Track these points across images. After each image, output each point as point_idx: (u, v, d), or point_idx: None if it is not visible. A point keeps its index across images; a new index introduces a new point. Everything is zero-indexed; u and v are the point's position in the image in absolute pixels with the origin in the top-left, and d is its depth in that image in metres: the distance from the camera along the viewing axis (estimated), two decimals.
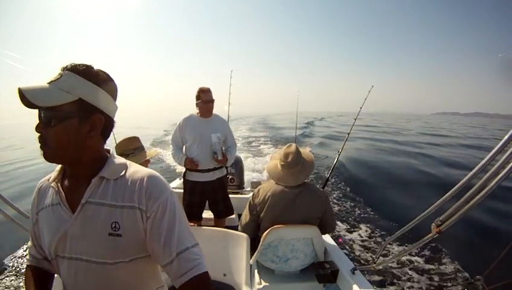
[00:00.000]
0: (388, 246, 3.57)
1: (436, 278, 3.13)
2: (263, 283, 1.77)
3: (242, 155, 5.69)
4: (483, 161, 0.93)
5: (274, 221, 1.72)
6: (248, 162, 8.33)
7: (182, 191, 2.52)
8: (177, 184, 3.59)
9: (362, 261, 3.40)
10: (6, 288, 2.92)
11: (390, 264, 3.24)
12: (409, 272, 3.23)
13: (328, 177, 2.80)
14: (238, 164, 3.74)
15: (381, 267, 1.57)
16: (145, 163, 1.70)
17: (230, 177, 3.59)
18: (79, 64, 0.64)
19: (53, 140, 0.62)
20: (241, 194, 3.51)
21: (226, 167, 2.62)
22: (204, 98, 2.35)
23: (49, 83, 0.62)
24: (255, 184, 3.62)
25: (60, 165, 0.74)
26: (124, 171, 0.71)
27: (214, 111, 2.48)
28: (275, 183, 1.81)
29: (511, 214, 4.96)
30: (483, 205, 0.93)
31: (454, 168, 8.74)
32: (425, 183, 7.05)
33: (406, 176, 7.79)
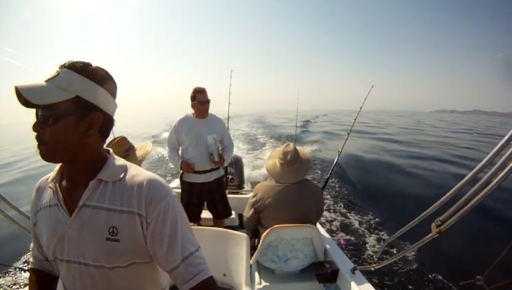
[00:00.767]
0: (388, 246, 3.56)
1: (436, 278, 3.13)
2: (263, 283, 1.77)
3: (242, 154, 5.69)
4: (484, 161, 0.93)
5: (275, 218, 1.74)
6: (248, 161, 8.33)
7: (180, 191, 2.51)
8: (176, 184, 3.58)
9: (362, 261, 3.40)
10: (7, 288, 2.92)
11: (390, 264, 3.24)
12: (409, 272, 3.23)
13: (328, 177, 2.80)
14: (238, 164, 3.73)
15: (381, 267, 1.57)
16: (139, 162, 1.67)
17: (230, 177, 3.58)
18: (77, 62, 0.63)
19: (50, 138, 0.61)
20: (241, 194, 3.51)
21: (226, 167, 2.61)
22: (200, 98, 2.32)
23: (46, 80, 0.61)
24: (255, 184, 3.61)
25: (58, 166, 0.72)
26: (123, 174, 0.69)
27: (214, 111, 2.46)
28: (275, 182, 1.85)
29: (511, 214, 4.96)
30: (484, 205, 0.93)
31: (455, 168, 8.74)
32: (426, 183, 7.05)
33: (406, 176, 7.79)
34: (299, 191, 1.81)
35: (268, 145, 12.53)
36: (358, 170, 8.09)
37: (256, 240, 1.86)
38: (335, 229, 4.32)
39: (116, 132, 2.10)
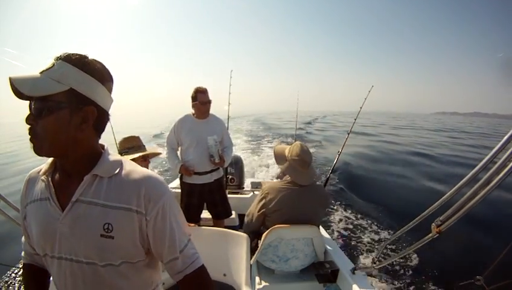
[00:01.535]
0: (388, 246, 3.57)
1: (436, 278, 3.13)
2: (263, 283, 1.77)
3: (242, 154, 5.69)
4: (483, 161, 0.93)
5: (283, 220, 1.72)
6: (248, 161, 8.33)
7: (180, 192, 2.50)
8: (176, 184, 3.58)
9: (362, 261, 3.40)
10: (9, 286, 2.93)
11: (390, 264, 3.24)
12: (409, 272, 3.23)
13: (328, 177, 2.80)
14: (238, 164, 3.72)
15: (381, 267, 1.57)
16: (142, 162, 1.68)
17: (230, 177, 3.58)
18: (73, 54, 0.61)
19: (43, 132, 0.59)
20: (241, 194, 3.51)
21: (226, 167, 2.61)
22: (201, 99, 2.29)
23: (41, 72, 0.59)
24: (255, 184, 3.61)
25: (51, 158, 0.70)
26: (118, 169, 0.67)
27: (214, 111, 2.45)
28: (284, 183, 1.78)
29: (511, 214, 4.96)
30: (483, 205, 0.93)
31: (455, 169, 8.75)
32: (426, 183, 7.05)
33: (406, 176, 7.79)
34: (311, 194, 1.78)
35: (268, 145, 12.54)
36: (358, 170, 8.10)
37: (257, 242, 1.86)
38: (335, 229, 4.33)
39: (116, 131, 2.12)
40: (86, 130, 0.63)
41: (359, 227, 4.40)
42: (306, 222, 1.75)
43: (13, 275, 3.11)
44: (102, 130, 0.69)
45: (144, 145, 1.78)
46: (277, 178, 2.06)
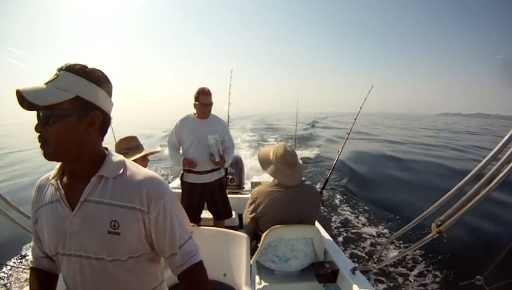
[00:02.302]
0: (388, 246, 3.57)
1: (436, 278, 3.13)
2: (263, 283, 1.77)
3: (243, 154, 5.70)
4: (484, 161, 0.93)
5: (276, 221, 1.72)
6: (249, 161, 8.34)
7: (181, 191, 2.50)
8: (177, 184, 3.59)
9: (362, 261, 3.40)
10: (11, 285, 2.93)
11: (390, 264, 3.24)
12: (409, 272, 3.23)
13: (328, 177, 2.80)
14: (238, 164, 3.73)
15: (381, 267, 1.57)
16: (142, 162, 1.69)
17: (230, 177, 3.58)
18: (74, 64, 0.66)
19: (53, 138, 0.64)
20: (241, 194, 3.51)
21: (226, 167, 2.60)
22: (203, 101, 2.30)
23: (46, 83, 0.64)
24: (255, 184, 3.61)
25: (59, 163, 0.75)
26: (122, 169, 0.72)
27: (215, 111, 2.45)
28: (273, 186, 1.80)
29: (511, 214, 4.96)
30: (484, 205, 0.93)
31: (455, 168, 8.74)
32: (426, 183, 7.05)
33: (406, 176, 7.79)
34: (299, 194, 1.78)
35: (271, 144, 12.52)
36: (358, 170, 8.10)
37: (257, 242, 1.86)
38: (335, 229, 4.33)
39: (120, 131, 2.12)
40: (93, 133, 0.69)
41: (359, 227, 4.41)
42: (299, 222, 1.75)
43: (15, 275, 3.11)
44: (106, 132, 0.74)
45: (142, 145, 1.77)
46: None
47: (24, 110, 0.65)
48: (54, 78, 0.64)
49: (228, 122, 3.23)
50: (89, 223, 0.68)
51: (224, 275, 1.47)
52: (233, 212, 2.85)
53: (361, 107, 2.96)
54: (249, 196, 3.32)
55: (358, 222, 4.58)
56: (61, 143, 0.65)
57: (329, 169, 2.88)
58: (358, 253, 3.64)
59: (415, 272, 3.24)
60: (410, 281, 3.07)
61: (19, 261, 3.38)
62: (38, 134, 0.65)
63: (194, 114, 2.41)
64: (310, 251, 1.83)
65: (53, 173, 0.75)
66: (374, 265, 1.56)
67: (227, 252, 1.48)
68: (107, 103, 0.71)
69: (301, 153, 10.59)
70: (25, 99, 0.61)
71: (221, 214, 2.55)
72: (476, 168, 0.95)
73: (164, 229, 0.72)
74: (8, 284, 2.99)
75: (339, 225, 4.47)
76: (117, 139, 1.81)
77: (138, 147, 1.76)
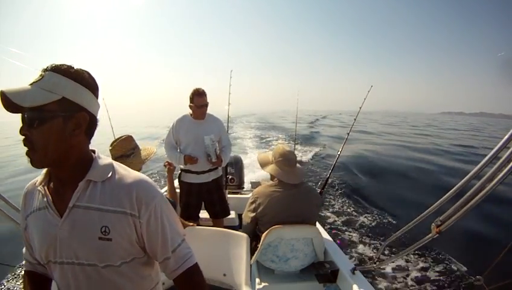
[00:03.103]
0: (388, 246, 3.57)
1: (436, 278, 3.13)
2: (263, 283, 1.77)
3: (243, 155, 5.69)
4: (484, 161, 0.93)
5: (277, 221, 1.72)
6: (249, 161, 8.33)
7: (179, 191, 2.51)
8: (176, 184, 3.59)
9: (362, 261, 3.40)
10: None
11: (390, 264, 3.24)
12: (409, 272, 3.23)
13: (328, 177, 2.80)
14: (238, 164, 3.72)
15: (381, 267, 1.57)
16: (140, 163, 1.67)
17: (230, 177, 3.58)
18: (60, 65, 0.64)
19: (39, 141, 0.61)
20: (241, 194, 3.51)
21: (226, 167, 2.60)
22: (197, 102, 2.30)
23: (31, 84, 0.62)
24: (255, 184, 3.61)
25: (45, 169, 0.73)
26: (110, 173, 0.70)
27: (214, 111, 2.45)
28: (275, 186, 1.80)
29: (511, 214, 4.96)
30: (483, 205, 0.93)
31: (455, 168, 8.74)
32: (426, 183, 7.05)
33: (406, 176, 7.79)
34: (300, 195, 1.78)
35: (269, 145, 12.55)
36: (358, 170, 8.09)
37: (257, 242, 1.86)
38: (335, 229, 4.33)
39: (122, 131, 2.07)
40: (79, 136, 0.66)
41: (359, 227, 4.41)
42: (300, 223, 1.75)
43: (13, 275, 3.11)
44: (93, 134, 0.71)
45: (137, 146, 1.71)
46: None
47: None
48: (40, 79, 0.62)
49: (228, 122, 3.22)
50: (79, 230, 0.66)
51: (224, 275, 1.47)
52: (233, 212, 2.85)
53: (360, 107, 2.96)
54: (249, 196, 3.33)
55: (358, 222, 4.58)
56: (48, 146, 0.62)
57: (329, 169, 2.88)
58: (358, 253, 3.64)
59: (415, 272, 3.24)
60: (410, 281, 3.07)
61: (20, 261, 3.37)
62: (24, 137, 0.62)
63: (191, 114, 2.41)
64: (310, 251, 1.83)
65: (40, 178, 0.73)
66: (374, 265, 1.56)
67: (227, 252, 1.48)
68: (94, 105, 0.69)
69: (301, 153, 10.59)
70: (10, 101, 0.58)
71: (219, 213, 2.55)
72: (476, 168, 0.95)
73: (156, 232, 0.70)
74: (9, 284, 2.98)
75: (339, 225, 4.47)
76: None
77: (134, 149, 1.72)
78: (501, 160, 0.85)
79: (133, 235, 0.69)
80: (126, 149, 1.61)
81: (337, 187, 6.41)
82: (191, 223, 1.74)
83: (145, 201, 0.68)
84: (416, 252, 3.54)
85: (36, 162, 0.63)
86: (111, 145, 1.64)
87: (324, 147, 12.32)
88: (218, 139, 2.44)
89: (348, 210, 5.10)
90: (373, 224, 4.51)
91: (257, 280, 1.79)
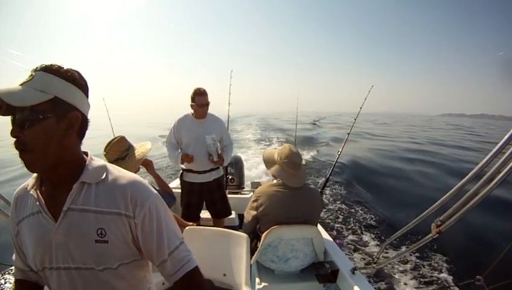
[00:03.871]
0: (388, 246, 3.57)
1: (436, 278, 3.13)
2: (263, 283, 1.77)
3: (243, 154, 5.70)
4: (484, 161, 0.93)
5: (278, 222, 1.72)
6: (250, 162, 8.33)
7: (180, 191, 2.51)
8: (176, 184, 3.59)
9: (362, 261, 3.40)
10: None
11: (390, 265, 3.24)
12: (409, 272, 3.23)
13: (328, 178, 2.80)
14: (238, 164, 3.73)
15: (381, 267, 1.57)
16: (139, 162, 1.66)
17: (230, 177, 3.58)
18: (50, 64, 0.63)
19: (31, 142, 0.60)
20: (241, 194, 3.51)
21: (226, 167, 2.60)
22: (199, 101, 2.31)
23: (21, 84, 0.60)
24: (255, 184, 3.61)
25: None
26: (104, 174, 0.69)
27: (215, 111, 2.46)
28: (278, 187, 1.78)
29: (511, 214, 4.96)
30: (483, 205, 0.93)
31: (454, 169, 8.74)
32: (425, 183, 7.05)
33: (406, 176, 7.79)
34: (302, 196, 1.77)
35: (268, 145, 12.55)
36: (358, 170, 8.10)
37: (257, 242, 1.86)
38: (335, 229, 4.33)
39: (122, 131, 2.06)
40: (72, 136, 0.65)
41: (359, 227, 4.41)
42: (304, 220, 1.75)
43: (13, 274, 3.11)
44: (84, 135, 0.70)
45: (131, 145, 1.69)
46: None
47: None
48: (30, 79, 0.60)
49: (228, 122, 3.23)
50: (75, 233, 0.65)
51: (224, 275, 1.47)
52: (233, 212, 2.85)
53: (361, 107, 2.96)
54: (249, 196, 3.33)
55: (358, 222, 4.58)
56: (41, 147, 0.60)
57: (329, 169, 2.88)
58: (358, 253, 3.64)
59: (415, 272, 3.24)
60: (410, 282, 3.07)
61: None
62: (15, 139, 0.60)
63: (192, 114, 2.42)
64: (310, 251, 1.82)
65: (31, 182, 0.71)
66: (374, 265, 1.56)
67: (227, 252, 1.48)
68: (85, 104, 0.68)
69: (301, 153, 10.58)
70: (1, 103, 0.56)
71: (220, 213, 2.56)
72: (476, 168, 0.95)
73: (151, 234, 0.69)
74: (9, 285, 2.98)
75: (339, 224, 4.47)
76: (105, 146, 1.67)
77: (128, 149, 1.71)
78: (501, 160, 0.85)
79: (129, 236, 0.68)
80: (120, 151, 1.61)
81: (337, 187, 6.41)
82: (191, 223, 1.74)
83: (140, 201, 0.67)
84: (416, 252, 3.54)
85: (32, 164, 0.62)
86: (105, 150, 1.62)
87: (320, 149, 12.32)
88: (220, 138, 2.45)
89: (348, 210, 5.10)
90: (373, 224, 4.52)
91: (257, 280, 1.79)
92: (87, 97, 0.69)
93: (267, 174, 6.23)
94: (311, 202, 1.81)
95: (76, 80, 0.65)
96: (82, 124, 0.67)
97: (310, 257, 1.84)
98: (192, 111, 2.41)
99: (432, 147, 14.11)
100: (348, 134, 2.93)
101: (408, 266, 3.33)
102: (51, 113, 0.61)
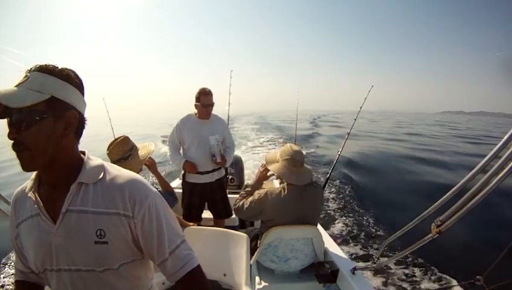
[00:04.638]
0: (388, 246, 3.56)
1: (436, 278, 3.13)
2: (263, 283, 1.77)
3: (242, 154, 5.70)
4: (484, 161, 0.92)
5: (285, 221, 1.71)
6: (250, 162, 8.34)
7: (182, 191, 2.51)
8: (177, 184, 3.59)
9: (362, 261, 3.40)
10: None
11: (390, 264, 3.24)
12: (409, 272, 3.23)
13: (329, 177, 2.80)
14: (238, 164, 3.73)
15: (381, 267, 1.57)
16: (142, 162, 1.66)
17: (230, 177, 3.59)
18: (45, 65, 0.63)
19: (30, 142, 0.59)
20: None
21: (226, 167, 2.60)
22: (204, 101, 2.30)
23: (16, 85, 0.60)
24: None
25: (34, 174, 0.71)
26: (102, 174, 0.68)
27: (215, 110, 2.45)
28: (282, 189, 1.73)
29: (511, 214, 4.96)
30: (483, 205, 0.93)
31: (455, 168, 8.75)
32: (426, 183, 7.05)
33: (406, 176, 7.80)
34: (309, 196, 1.74)
35: (269, 145, 12.55)
36: (358, 170, 8.10)
37: (257, 242, 1.86)
38: (335, 229, 4.33)
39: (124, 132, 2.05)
40: (70, 134, 0.65)
41: (359, 227, 4.41)
42: (309, 218, 1.75)
43: (14, 274, 3.11)
44: (81, 134, 0.70)
45: (135, 146, 1.68)
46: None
47: None
48: (25, 80, 0.59)
49: (228, 122, 3.23)
50: (74, 235, 0.64)
51: (224, 275, 1.47)
52: (233, 212, 2.86)
53: (361, 107, 2.96)
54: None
55: (358, 222, 4.58)
56: (39, 147, 0.60)
57: (330, 169, 2.88)
58: (358, 253, 3.64)
59: (415, 272, 3.24)
60: (410, 282, 3.07)
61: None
62: (13, 141, 0.59)
63: (195, 114, 2.40)
64: (310, 251, 1.82)
65: (29, 184, 0.70)
66: (374, 265, 1.56)
67: (227, 252, 1.48)
68: (82, 103, 0.67)
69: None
70: None
71: (221, 213, 2.56)
72: (476, 168, 0.95)
73: (151, 233, 0.68)
74: (9, 285, 2.99)
75: (339, 224, 4.47)
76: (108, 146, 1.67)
77: (135, 147, 1.72)
78: (501, 160, 0.85)
79: (129, 236, 0.67)
80: (123, 152, 1.60)
81: (337, 186, 6.41)
82: (192, 224, 1.74)
83: (139, 201, 0.66)
84: (416, 252, 3.54)
85: (29, 164, 0.61)
86: (108, 149, 1.62)
87: (319, 148, 12.33)
88: (223, 139, 2.44)
89: (348, 210, 5.10)
90: (373, 224, 4.51)
91: (257, 280, 1.79)
92: (83, 96, 0.69)
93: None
94: (314, 202, 1.79)
95: (72, 79, 0.65)
96: (79, 123, 0.67)
97: (310, 257, 1.84)
98: (195, 111, 2.40)
99: (432, 147, 14.11)
100: (348, 133, 2.93)
101: (408, 266, 3.33)
102: (48, 113, 0.60)
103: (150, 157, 1.80)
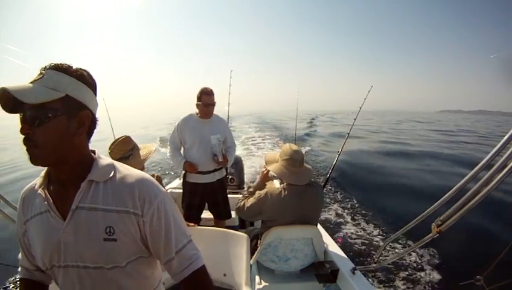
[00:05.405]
0: (388, 246, 3.57)
1: (436, 278, 3.13)
2: (263, 283, 1.77)
3: (242, 154, 5.70)
4: (484, 161, 0.93)
5: (285, 221, 1.71)
6: (250, 162, 8.34)
7: (182, 191, 2.51)
8: (177, 184, 3.59)
9: (362, 261, 3.40)
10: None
11: (390, 264, 3.24)
12: (409, 272, 3.23)
13: (329, 177, 2.80)
14: (238, 164, 3.73)
15: (381, 267, 1.57)
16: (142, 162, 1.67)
17: (230, 177, 3.58)
18: (60, 63, 0.63)
19: (42, 140, 0.60)
20: (241, 194, 3.51)
21: (226, 168, 2.60)
22: (205, 101, 2.30)
23: (31, 82, 0.60)
24: None
25: (44, 171, 0.71)
26: (112, 173, 0.69)
27: (215, 111, 2.45)
28: (283, 189, 1.73)
29: (511, 214, 4.96)
30: (483, 205, 0.93)
31: (455, 168, 8.74)
32: (426, 183, 7.05)
33: (407, 176, 7.79)
34: (310, 196, 1.74)
35: (269, 145, 12.56)
36: (358, 170, 8.10)
37: (257, 242, 1.86)
38: (335, 228, 4.33)
39: (124, 132, 2.06)
40: (82, 134, 0.66)
41: (359, 227, 4.41)
42: (309, 218, 1.75)
43: (14, 274, 3.11)
44: (92, 134, 0.71)
45: (136, 145, 1.69)
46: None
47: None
48: (41, 77, 0.60)
49: (228, 122, 3.23)
50: (84, 232, 0.65)
51: (224, 275, 1.47)
52: (233, 213, 2.85)
53: (360, 107, 2.96)
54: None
55: (358, 222, 4.58)
56: (51, 145, 0.61)
57: (329, 169, 2.88)
58: (358, 253, 3.64)
59: (415, 272, 3.24)
60: (410, 281, 3.07)
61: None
62: (24, 136, 0.60)
63: (197, 114, 2.40)
64: (310, 250, 1.82)
65: (38, 181, 0.71)
66: (374, 265, 1.56)
67: (227, 252, 1.48)
68: (94, 103, 0.69)
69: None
70: (10, 99, 0.56)
71: (222, 214, 2.56)
72: (476, 168, 0.95)
73: (159, 232, 0.69)
74: (8, 285, 2.98)
75: (339, 224, 4.47)
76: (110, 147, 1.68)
77: (137, 145, 1.73)
78: (501, 159, 0.85)
79: (137, 234, 0.68)
80: (125, 151, 1.61)
81: (337, 186, 6.41)
82: (192, 224, 1.74)
83: (148, 200, 0.67)
84: (417, 252, 3.55)
85: (37, 159, 0.61)
86: (109, 148, 1.63)
87: (319, 148, 12.33)
88: (224, 139, 2.44)
89: (348, 210, 5.10)
90: (373, 224, 4.51)
91: (257, 280, 1.79)
92: (96, 96, 0.70)
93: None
94: (314, 202, 1.79)
95: (86, 79, 0.66)
96: (91, 122, 0.68)
97: (310, 257, 1.84)
98: (196, 111, 2.40)
99: (432, 146, 14.11)
100: (348, 134, 2.93)
101: (408, 266, 3.33)
102: (62, 111, 0.61)
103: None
